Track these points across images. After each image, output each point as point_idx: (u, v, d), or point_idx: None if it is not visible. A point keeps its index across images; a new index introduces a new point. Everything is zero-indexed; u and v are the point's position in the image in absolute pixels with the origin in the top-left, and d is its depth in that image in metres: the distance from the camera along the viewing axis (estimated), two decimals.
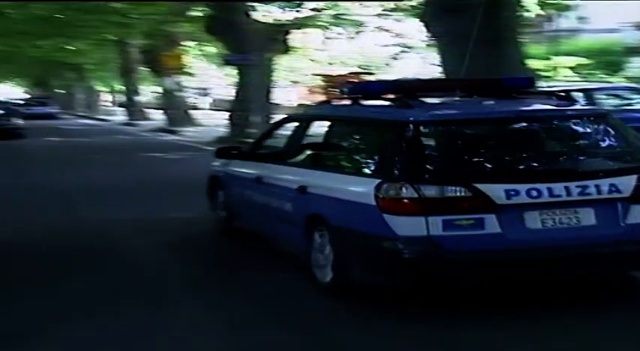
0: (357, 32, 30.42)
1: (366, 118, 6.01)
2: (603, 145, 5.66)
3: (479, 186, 4.91)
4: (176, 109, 32.04)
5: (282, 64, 29.10)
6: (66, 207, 10.57)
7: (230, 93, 28.32)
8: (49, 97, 61.97)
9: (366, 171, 5.49)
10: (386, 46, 32.78)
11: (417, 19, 14.96)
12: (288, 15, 26.70)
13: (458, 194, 4.91)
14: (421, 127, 5.25)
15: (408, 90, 6.04)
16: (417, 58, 34.41)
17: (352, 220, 5.31)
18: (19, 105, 47.97)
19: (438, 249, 4.84)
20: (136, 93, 40.92)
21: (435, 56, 14.01)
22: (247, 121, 21.61)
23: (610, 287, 5.63)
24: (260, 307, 5.37)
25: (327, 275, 5.57)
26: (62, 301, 5.67)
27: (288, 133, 6.96)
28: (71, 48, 42.43)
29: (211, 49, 35.89)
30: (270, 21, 25.92)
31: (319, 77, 38.13)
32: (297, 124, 6.96)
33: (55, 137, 28.50)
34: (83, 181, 13.48)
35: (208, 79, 54.89)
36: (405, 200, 4.92)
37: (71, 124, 43.41)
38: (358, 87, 7.03)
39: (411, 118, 5.31)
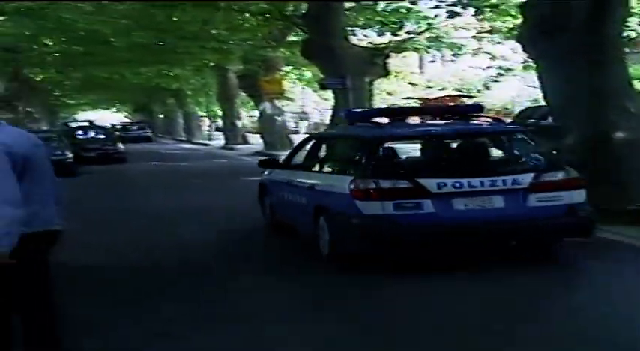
0: (454, 55, 30.22)
1: (351, 135, 8.89)
2: (512, 153, 8.55)
3: (419, 180, 7.25)
4: (275, 133, 32.28)
5: (380, 88, 29.18)
6: (163, 230, 10.84)
7: (328, 117, 28.52)
8: (145, 122, 64.93)
9: (347, 172, 7.90)
10: (483, 68, 32.40)
11: (515, 41, 14.76)
12: (385, 38, 26.80)
13: (404, 186, 7.25)
14: (382, 141, 7.96)
15: (393, 114, 9.13)
16: (515, 80, 33.92)
17: (338, 206, 7.62)
18: (118, 129, 50.16)
19: (390, 223, 7.13)
20: (235, 117, 41.64)
21: (533, 78, 13.82)
22: None
23: (526, 252, 8.01)
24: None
25: (326, 249, 7.88)
26: (163, 321, 5.87)
27: (308, 148, 9.92)
28: (171, 74, 43.85)
29: (309, 74, 36.31)
30: (368, 45, 26.07)
31: (416, 101, 37.98)
32: (313, 141, 10.08)
33: (156, 161, 29.39)
34: (181, 205, 13.81)
35: (307, 103, 55.42)
36: (369, 191, 7.25)
37: (171, 148, 44.63)
38: (352, 113, 9.98)
39: (376, 135, 7.97)
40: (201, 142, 50.02)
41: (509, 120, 27.07)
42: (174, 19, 26.26)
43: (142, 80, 46.93)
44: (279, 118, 32.75)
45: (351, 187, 7.41)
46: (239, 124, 41.94)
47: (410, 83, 43.79)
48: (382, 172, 7.48)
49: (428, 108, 10.60)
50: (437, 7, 23.64)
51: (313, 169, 9.17)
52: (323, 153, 9.62)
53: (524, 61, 27.13)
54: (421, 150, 8.99)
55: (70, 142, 25.86)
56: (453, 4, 22.22)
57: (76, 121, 47.38)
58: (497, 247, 8.12)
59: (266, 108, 32.81)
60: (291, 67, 36.08)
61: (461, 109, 9.42)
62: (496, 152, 8.76)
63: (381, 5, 25.52)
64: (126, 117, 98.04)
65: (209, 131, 53.19)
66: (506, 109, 31.98)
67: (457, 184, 7.30)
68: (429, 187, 7.22)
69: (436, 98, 36.04)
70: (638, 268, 7.47)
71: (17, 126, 4.46)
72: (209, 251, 8.93)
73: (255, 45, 30.13)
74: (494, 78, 31.70)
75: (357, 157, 8.02)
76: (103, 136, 30.82)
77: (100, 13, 26.01)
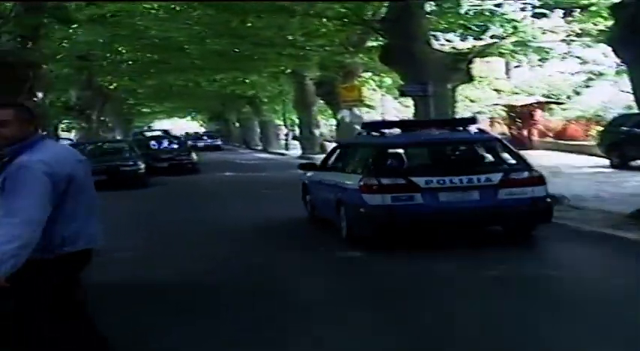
0: (542, 59, 29.69)
1: (363, 143, 11.99)
2: (488, 157, 11.33)
3: (412, 178, 9.96)
4: None
5: (463, 95, 28.85)
6: (236, 242, 11.14)
7: None
8: (218, 131, 66.69)
9: (358, 171, 10.80)
10: (572, 73, 31.72)
11: (606, 44, 14.43)
12: (468, 43, 26.53)
13: (400, 182, 9.95)
14: (384, 148, 11.08)
15: (406, 126, 12.34)
16: (607, 85, 33.10)
17: (351, 198, 10.38)
18: (190, 138, 51.30)
19: (389, 211, 9.86)
20: (313, 126, 41.74)
21: (627, 83, 13.51)
22: None
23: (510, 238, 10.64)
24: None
25: (344, 232, 10.69)
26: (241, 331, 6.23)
27: (337, 153, 13.09)
28: (246, 81, 44.32)
29: (389, 80, 36.20)
30: (451, 50, 25.80)
31: (502, 107, 37.40)
32: (340, 148, 13.37)
33: (230, 172, 29.69)
34: (259, 216, 13.98)
35: (388, 111, 55.30)
36: (372, 186, 9.97)
37: (247, 157, 45.09)
38: (368, 124, 13.11)
39: (379, 143, 11.18)
40: (277, 151, 50.36)
41: (600, 128, 26.47)
42: (249, 24, 26.53)
43: (217, 88, 47.50)
44: (358, 127, 32.62)
45: (360, 183, 10.17)
46: (317, 132, 41.95)
47: (495, 90, 43.13)
48: (383, 171, 10.36)
49: (432, 121, 14.58)
50: (523, 9, 23.26)
51: (337, 170, 12.02)
52: (345, 157, 12.44)
53: (617, 66, 26.45)
54: (416, 154, 12.06)
55: (144, 152, 26.41)
56: (540, 7, 21.81)
57: (150, 129, 48.44)
58: (473, 231, 10.94)
59: (344, 116, 32.82)
60: (370, 73, 36.02)
61: (457, 122, 12.96)
62: (475, 155, 11.40)
63: (464, 8, 25.26)
64: (201, 126, 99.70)
65: (286, 140, 53.54)
66: (598, 116, 31.12)
67: (441, 181, 9.99)
68: (419, 183, 9.92)
69: (523, 106, 35.38)
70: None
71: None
72: (282, 264, 9.36)
73: (333, 51, 30.12)
74: (585, 83, 30.97)
75: (365, 160, 11.07)
76: (176, 146, 31.42)
77: (173, 20, 26.47)
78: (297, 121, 46.26)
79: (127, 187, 21.64)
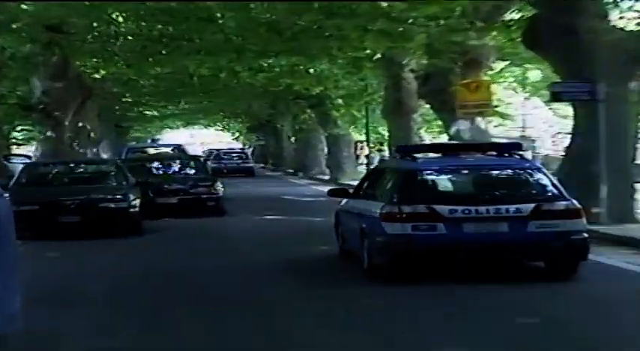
0: None
1: (391, 167, 17.32)
2: (521, 184, 15.28)
3: (435, 206, 13.79)
4: None
5: None
6: None
7: (560, 144, 27.91)
8: (259, 148, 67.65)
9: (381, 198, 15.03)
10: None
11: None
12: None
13: (422, 211, 13.85)
14: (409, 173, 15.20)
15: (444, 150, 17.17)
16: None
17: (372, 227, 14.48)
18: (211, 158, 51.81)
19: (407, 240, 13.78)
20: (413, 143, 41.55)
21: None
22: (593, 187, 20.86)
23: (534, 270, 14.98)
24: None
25: (365, 263, 14.91)
26: None
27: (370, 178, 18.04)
28: (310, 72, 44.35)
29: (537, 75, 35.81)
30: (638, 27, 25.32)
31: None
32: (373, 173, 18.75)
33: (275, 214, 29.74)
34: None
35: (533, 123, 54.65)
36: (393, 214, 13.99)
37: (302, 191, 44.95)
38: (402, 148, 18.64)
39: (404, 168, 15.51)
40: (351, 182, 50.13)
41: None
42: None
43: (264, 81, 47.63)
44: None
45: (381, 211, 14.18)
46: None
47: None
48: (405, 199, 14.21)
49: (476, 145, 18.94)
50: None
51: (366, 198, 16.39)
52: (375, 183, 16.81)
53: None
54: (444, 181, 15.73)
55: (143, 180, 26.74)
56: None
57: (155, 144, 48.72)
58: (499, 264, 14.84)
59: (461, 129, 32.45)
60: (506, 62, 35.68)
61: (503, 147, 17.08)
62: (509, 184, 15.59)
63: None
64: (234, 138, 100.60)
65: (368, 165, 53.31)
66: None
67: (466, 211, 13.74)
68: (442, 212, 13.67)
69: None
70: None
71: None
72: None
73: (449, 26, 29.80)
74: None
75: (390, 186, 15.36)
76: (192, 171, 31.79)
77: None
78: (387, 136, 45.99)
79: (109, 236, 21.81)
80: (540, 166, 17.15)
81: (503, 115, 42.64)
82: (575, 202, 14.13)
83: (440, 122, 38.67)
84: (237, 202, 32.16)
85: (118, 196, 23.18)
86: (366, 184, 17.46)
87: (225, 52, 37.03)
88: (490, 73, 33.77)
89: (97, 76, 43.40)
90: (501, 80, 37.70)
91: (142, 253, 19.79)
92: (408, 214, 13.80)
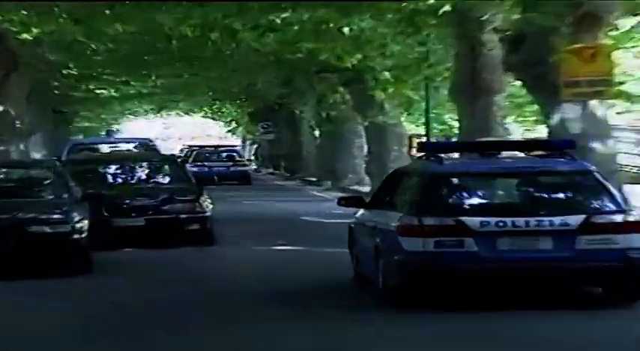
0: None
1: (413, 170, 19.36)
2: (571, 192, 17.77)
3: (463, 218, 16.27)
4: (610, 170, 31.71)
5: None
6: None
7: None
8: (252, 143, 68.64)
9: (399, 208, 17.71)
10: None
11: None
12: None
13: (447, 223, 16.28)
14: (434, 178, 17.67)
15: (479, 148, 20.20)
16: None
17: (388, 243, 17.19)
18: (188, 158, 52.60)
19: (429, 259, 16.10)
20: (498, 136, 41.74)
21: None
22: None
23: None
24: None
25: (380, 286, 17.79)
26: None
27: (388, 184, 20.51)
28: (344, 30, 44.49)
29: None
30: None
31: None
32: (393, 177, 20.33)
33: (290, 244, 30.03)
34: None
35: None
36: (412, 227, 16.41)
37: (331, 210, 44.73)
38: (429, 146, 24.58)
39: (429, 171, 17.89)
40: None
41: None
42: None
43: (275, 45, 47.87)
44: (609, 143, 32.13)
45: (398, 223, 16.05)
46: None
47: None
48: (427, 208, 16.07)
49: (518, 143, 22.00)
50: None
51: (383, 207, 18.42)
52: (395, 189, 18.87)
53: None
54: (475, 187, 17.53)
55: (94, 192, 26.67)
56: None
57: (111, 138, 48.79)
58: (540, 290, 16.54)
59: (569, 119, 32.52)
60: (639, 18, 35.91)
61: (551, 145, 19.84)
62: (555, 191, 17.50)
63: None
64: (229, 131, 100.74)
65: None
66: None
67: (501, 223, 15.45)
68: (472, 225, 15.42)
69: None
70: None
71: None
72: None
73: None
74: None
75: (410, 194, 17.25)
76: (165, 179, 32.15)
77: None
78: (457, 127, 46.16)
79: (40, 275, 21.95)
80: (594, 168, 18.26)
81: (631, 97, 42.75)
82: (635, 213, 15.76)
83: (536, 107, 38.76)
84: (230, 225, 32.16)
85: (56, 216, 23.23)
86: (384, 192, 19.74)
87: (218, 2, 37.21)
88: (614, 34, 33.83)
89: (26, 36, 43.62)
90: (630, 45, 37.69)
91: (87, 304, 19.67)
92: (431, 227, 15.77)
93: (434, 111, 52.49)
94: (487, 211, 15.42)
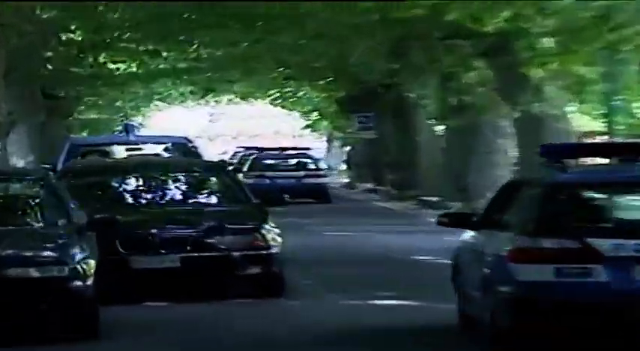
0: None
1: (531, 180, 21.96)
2: None
3: (590, 240, 18.02)
4: None
5: None
6: None
7: None
8: (342, 145, 69.25)
9: (511, 228, 19.66)
10: None
11: None
12: None
13: (570, 246, 18.04)
14: (556, 189, 19.88)
15: (611, 152, 22.95)
16: None
17: (496, 271, 19.14)
18: (241, 165, 53.37)
19: (549, 292, 17.98)
20: None
21: None
22: None
23: None
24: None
25: (487, 326, 19.91)
26: None
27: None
28: None
29: None
30: None
31: None
32: (508, 189, 23.00)
33: (398, 298, 30.15)
34: None
35: None
36: (526, 251, 18.28)
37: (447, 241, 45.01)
38: (551, 148, 22.83)
39: (548, 182, 20.12)
40: None
41: None
42: None
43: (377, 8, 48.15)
44: None
45: (509, 247, 17.42)
46: None
47: None
48: (545, 228, 17.53)
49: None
50: None
51: (494, 228, 19.97)
52: (508, 204, 20.68)
53: None
54: (603, 202, 19.01)
55: (102, 216, 27.10)
56: None
57: (130, 134, 49.09)
58: None
59: None
60: None
61: None
62: None
63: None
64: (308, 128, 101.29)
65: None
66: None
67: (639, 247, 16.77)
68: (601, 249, 16.81)
69: None
70: None
71: None
72: None
73: None
74: None
75: (524, 209, 18.91)
76: (212, 199, 32.17)
77: None
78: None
79: (25, 340, 22.23)
80: None
81: None
82: None
83: None
84: (306, 267, 32.33)
85: (47, 253, 23.24)
86: (497, 208, 21.43)
87: None
88: None
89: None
90: None
91: None
92: (550, 251, 17.15)
93: (618, 97, 52.52)
94: (621, 232, 16.08)
